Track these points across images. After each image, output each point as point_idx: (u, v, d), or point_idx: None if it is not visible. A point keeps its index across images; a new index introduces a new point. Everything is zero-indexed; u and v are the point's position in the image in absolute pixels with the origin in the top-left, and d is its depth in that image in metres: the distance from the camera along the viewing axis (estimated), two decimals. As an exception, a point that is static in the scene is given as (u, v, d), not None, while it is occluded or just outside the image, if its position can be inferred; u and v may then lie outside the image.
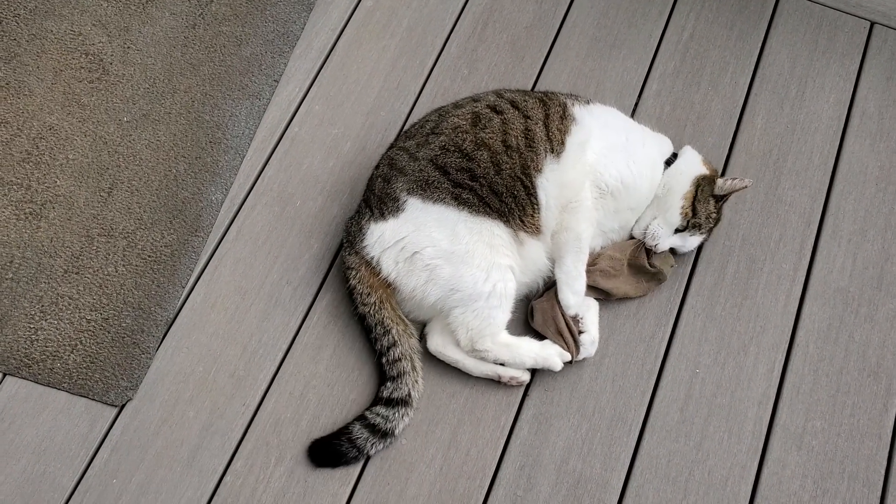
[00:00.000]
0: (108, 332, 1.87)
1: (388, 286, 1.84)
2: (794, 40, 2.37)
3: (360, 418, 1.78)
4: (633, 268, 1.96)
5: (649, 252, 1.95)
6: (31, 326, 1.86)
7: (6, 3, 2.21)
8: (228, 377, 1.86)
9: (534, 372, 1.89)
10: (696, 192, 1.91)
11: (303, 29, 2.28)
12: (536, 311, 1.91)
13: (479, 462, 1.81)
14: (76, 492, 1.73)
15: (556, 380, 1.89)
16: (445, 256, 1.80)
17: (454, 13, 2.34)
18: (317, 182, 2.08)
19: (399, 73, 2.25)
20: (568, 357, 1.86)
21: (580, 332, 1.88)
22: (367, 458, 1.80)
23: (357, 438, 1.76)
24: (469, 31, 2.32)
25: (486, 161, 1.84)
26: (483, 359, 1.85)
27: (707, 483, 1.83)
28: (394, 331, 1.82)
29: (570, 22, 2.36)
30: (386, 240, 1.83)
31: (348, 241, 1.89)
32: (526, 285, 1.91)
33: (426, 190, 1.82)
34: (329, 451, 1.77)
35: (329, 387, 1.86)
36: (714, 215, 1.94)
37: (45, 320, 1.86)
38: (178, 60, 2.19)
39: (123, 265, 1.94)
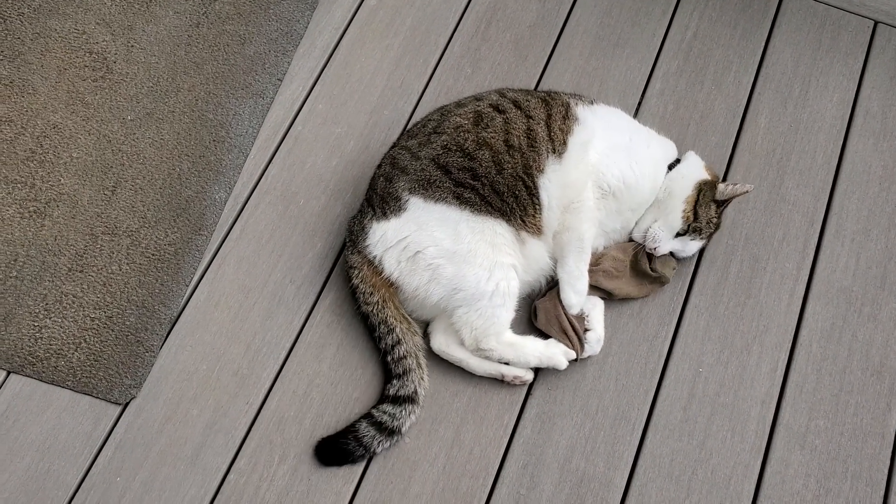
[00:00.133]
0: (112, 331, 1.87)
1: (391, 285, 1.84)
2: (797, 39, 2.37)
3: (367, 416, 1.79)
4: (634, 270, 1.96)
5: (651, 256, 1.95)
6: (35, 324, 1.86)
7: (10, 1, 2.21)
8: (232, 375, 1.86)
9: (537, 371, 1.89)
10: (698, 196, 1.91)
11: (306, 28, 2.28)
12: (539, 311, 1.91)
13: (482, 461, 1.82)
14: (80, 489, 1.74)
15: (560, 379, 1.89)
16: (448, 256, 1.80)
17: (457, 12, 2.34)
18: (320, 181, 2.08)
19: (402, 71, 2.25)
20: (573, 355, 1.86)
21: (586, 330, 1.89)
22: (372, 456, 1.80)
23: (364, 436, 1.76)
24: (472, 29, 2.32)
25: (487, 161, 1.84)
26: (487, 358, 1.85)
27: (710, 482, 1.83)
28: (397, 329, 1.83)
29: (573, 21, 2.36)
30: (388, 239, 1.83)
31: (351, 240, 1.90)
32: (529, 284, 1.92)
33: (428, 189, 1.83)
34: (336, 450, 1.77)
35: (332, 385, 1.86)
36: (715, 220, 1.94)
37: (49, 318, 1.87)
38: (182, 59, 2.19)
39: (127, 263, 1.94)
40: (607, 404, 1.89)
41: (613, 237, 1.96)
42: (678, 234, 1.92)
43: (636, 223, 1.95)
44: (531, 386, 1.89)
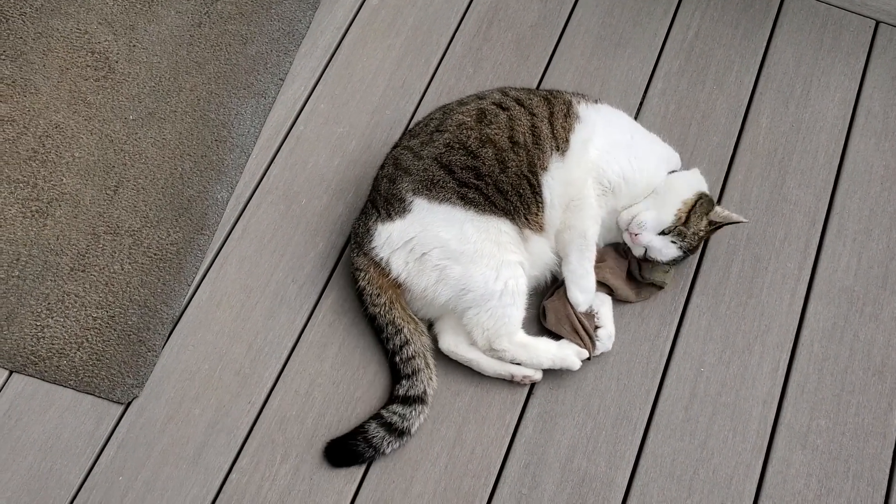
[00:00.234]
0: (114, 330, 1.87)
1: (398, 286, 1.84)
2: (799, 39, 2.37)
3: (376, 417, 1.79)
4: (629, 275, 1.96)
5: (640, 264, 1.94)
6: (38, 324, 1.86)
7: (12, 1, 2.21)
8: (234, 375, 1.86)
9: (545, 370, 1.89)
10: (695, 203, 1.88)
11: (308, 27, 2.29)
12: (549, 311, 1.90)
13: (484, 460, 1.82)
14: (83, 489, 1.74)
15: (562, 378, 1.90)
16: (454, 257, 1.80)
17: (459, 12, 2.34)
18: (322, 180, 2.08)
19: (404, 71, 2.25)
20: (585, 355, 1.86)
21: (596, 328, 1.88)
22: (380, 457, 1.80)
23: (373, 437, 1.76)
24: (474, 29, 2.32)
25: (490, 158, 1.84)
26: (500, 358, 1.85)
27: (712, 481, 1.83)
28: (405, 329, 1.83)
29: (574, 21, 2.36)
30: (394, 241, 1.83)
31: (356, 242, 1.90)
32: (535, 278, 1.91)
33: (432, 190, 1.83)
34: (345, 451, 1.77)
35: (334, 385, 1.87)
36: (700, 234, 1.89)
37: (52, 318, 1.87)
38: (184, 59, 2.20)
39: (129, 263, 1.94)
40: (609, 404, 1.89)
41: (612, 235, 1.96)
42: (662, 232, 1.88)
43: (626, 208, 1.89)
44: (533, 385, 1.89)
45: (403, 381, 1.81)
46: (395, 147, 1.95)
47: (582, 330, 1.86)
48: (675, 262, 1.91)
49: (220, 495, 1.75)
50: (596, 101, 1.98)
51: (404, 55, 2.27)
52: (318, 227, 2.03)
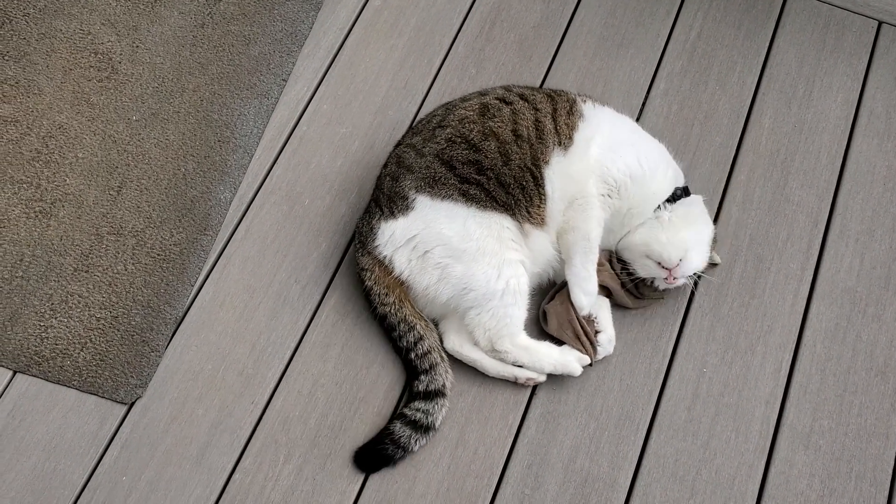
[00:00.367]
0: (118, 330, 1.87)
1: (403, 284, 1.85)
2: (801, 40, 2.37)
3: (400, 416, 1.79)
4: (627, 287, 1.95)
5: (638, 286, 1.92)
6: (41, 324, 1.87)
7: (16, 2, 2.22)
8: (237, 375, 1.86)
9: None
10: (713, 242, 1.92)
11: (311, 28, 2.29)
12: (551, 316, 1.90)
13: (486, 461, 1.82)
14: (86, 489, 1.74)
15: (564, 379, 1.89)
16: (456, 255, 1.80)
17: (462, 12, 2.35)
18: (325, 181, 2.09)
19: (407, 72, 2.25)
20: (587, 361, 1.86)
21: (596, 332, 1.88)
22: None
23: (400, 437, 1.76)
24: (477, 30, 2.33)
25: (493, 152, 1.83)
26: (502, 360, 1.85)
27: (714, 482, 1.83)
28: (418, 326, 1.83)
29: (577, 21, 2.36)
30: (397, 238, 1.83)
31: (360, 241, 1.90)
32: (537, 276, 1.91)
33: (434, 187, 1.83)
34: (375, 456, 1.77)
35: (337, 385, 1.87)
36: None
37: (55, 318, 1.87)
38: (187, 59, 2.20)
39: (133, 263, 1.94)
40: (611, 404, 1.89)
41: (612, 237, 1.94)
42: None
43: (663, 242, 1.86)
44: (536, 386, 1.89)
45: (422, 377, 1.81)
46: (397, 145, 1.96)
47: (584, 336, 1.86)
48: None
49: (224, 495, 1.76)
50: (603, 105, 1.97)
51: (407, 56, 2.27)
52: (321, 227, 2.03)
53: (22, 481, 1.73)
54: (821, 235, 2.11)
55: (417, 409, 1.78)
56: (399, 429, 1.77)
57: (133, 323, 1.88)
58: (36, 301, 1.89)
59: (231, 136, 2.12)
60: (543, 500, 1.79)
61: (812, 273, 2.06)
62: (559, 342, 1.88)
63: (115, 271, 1.93)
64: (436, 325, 1.90)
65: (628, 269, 1.91)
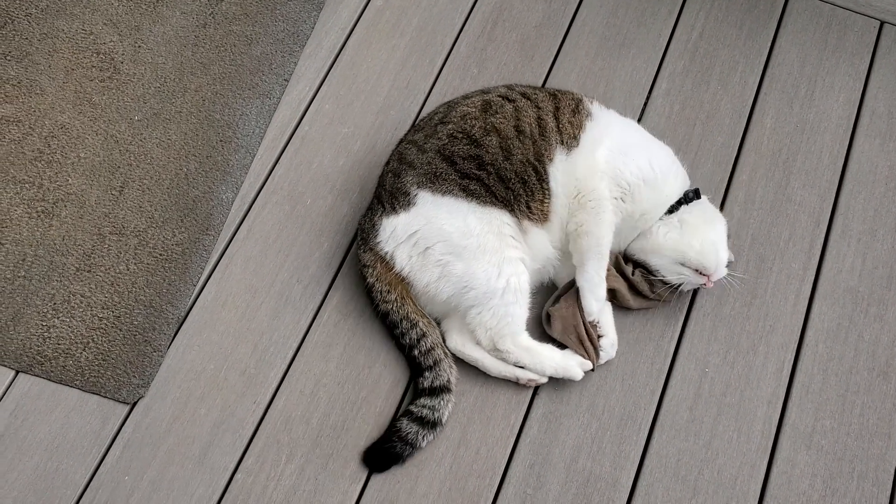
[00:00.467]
0: (120, 330, 1.88)
1: (404, 280, 1.85)
2: (803, 39, 2.37)
3: (407, 413, 1.79)
4: (632, 288, 1.94)
5: (652, 284, 1.93)
6: (44, 324, 1.87)
7: (18, 2, 2.22)
8: (239, 375, 1.86)
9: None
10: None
11: (313, 28, 2.29)
12: (555, 319, 1.89)
13: (488, 460, 1.82)
14: (88, 488, 1.74)
15: (566, 380, 1.89)
16: (457, 252, 1.80)
17: (464, 12, 2.35)
18: (327, 181, 2.09)
19: (409, 72, 2.25)
20: (589, 366, 1.86)
21: (599, 337, 1.88)
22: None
23: (407, 434, 1.76)
24: (478, 30, 2.33)
25: (494, 147, 1.84)
26: (504, 360, 1.85)
27: (716, 482, 1.83)
28: (420, 323, 1.83)
29: (579, 21, 2.36)
30: (399, 234, 1.83)
31: (362, 238, 1.90)
32: (537, 272, 1.90)
33: (435, 182, 1.83)
34: (384, 455, 1.77)
35: (339, 385, 1.87)
36: None
37: (58, 318, 1.87)
38: (189, 59, 2.20)
39: (135, 263, 1.95)
40: (613, 404, 1.89)
41: (622, 243, 1.95)
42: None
43: (699, 249, 1.87)
44: (537, 386, 1.89)
45: (426, 373, 1.81)
46: (400, 142, 1.96)
47: (588, 341, 1.86)
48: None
49: (226, 495, 1.76)
50: (608, 108, 1.98)
51: (409, 56, 2.28)
52: (323, 227, 2.03)
53: (24, 481, 1.74)
54: (823, 235, 2.11)
55: (423, 406, 1.79)
56: (406, 426, 1.77)
57: (135, 323, 1.89)
58: (38, 301, 1.89)
59: (233, 136, 2.12)
60: (545, 500, 1.79)
61: (814, 273, 2.06)
62: (562, 345, 1.88)
63: (118, 271, 1.93)
64: (438, 324, 1.90)
65: (648, 272, 1.91)
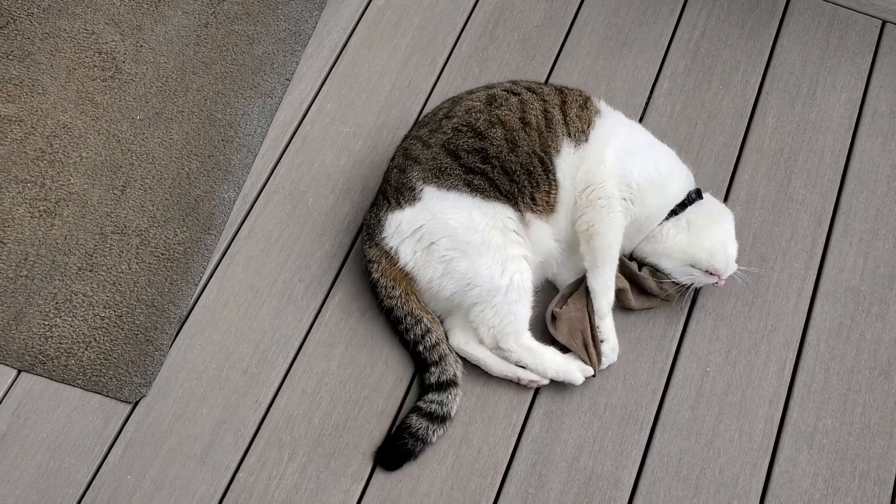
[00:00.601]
0: (122, 330, 1.88)
1: (408, 276, 1.85)
2: (805, 39, 2.37)
3: (415, 410, 1.79)
4: (636, 286, 1.95)
5: (661, 281, 1.93)
6: (46, 323, 1.87)
7: (20, 1, 2.22)
8: (241, 374, 1.87)
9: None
10: None
11: (314, 28, 2.29)
12: (562, 322, 1.88)
13: (490, 459, 1.82)
14: (91, 487, 1.75)
15: (568, 378, 1.90)
16: (462, 248, 1.80)
17: (465, 12, 2.35)
18: (329, 180, 2.09)
19: (410, 71, 2.25)
20: (590, 372, 1.85)
21: (600, 341, 1.88)
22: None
23: (418, 430, 1.77)
24: (480, 29, 2.33)
25: (499, 139, 1.84)
26: (506, 359, 1.85)
27: (718, 481, 1.83)
28: (424, 319, 1.84)
29: (580, 20, 2.36)
30: (403, 229, 1.83)
31: (367, 233, 1.90)
32: (540, 266, 1.90)
33: (440, 177, 1.83)
34: (396, 452, 1.78)
35: (341, 384, 1.87)
36: None
37: (60, 317, 1.88)
38: (191, 59, 2.20)
39: (137, 263, 1.95)
40: (615, 403, 1.89)
41: (628, 245, 1.95)
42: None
43: (709, 250, 1.88)
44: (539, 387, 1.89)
45: (433, 369, 1.81)
46: (405, 138, 1.96)
47: (592, 346, 1.86)
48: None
49: (228, 494, 1.76)
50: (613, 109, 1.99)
51: (410, 55, 2.28)
52: (325, 226, 2.03)
53: (27, 480, 1.74)
54: (824, 234, 2.11)
55: (432, 401, 1.79)
56: (416, 422, 1.78)
57: (137, 322, 1.89)
58: (40, 300, 1.89)
59: (235, 136, 2.12)
60: (547, 499, 1.79)
61: (816, 272, 2.06)
62: (564, 348, 1.88)
63: (120, 270, 1.94)
64: (441, 322, 1.90)
65: (655, 271, 1.92)
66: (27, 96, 2.10)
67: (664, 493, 1.81)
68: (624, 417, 1.88)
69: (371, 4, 2.34)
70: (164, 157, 2.07)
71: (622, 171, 1.86)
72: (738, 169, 2.18)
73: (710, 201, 1.96)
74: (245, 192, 2.07)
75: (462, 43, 2.30)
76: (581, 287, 1.90)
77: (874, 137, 2.24)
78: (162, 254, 1.96)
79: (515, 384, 1.88)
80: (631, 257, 1.96)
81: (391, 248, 1.84)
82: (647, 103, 2.25)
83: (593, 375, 1.87)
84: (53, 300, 1.89)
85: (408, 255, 1.83)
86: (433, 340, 1.83)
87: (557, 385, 1.89)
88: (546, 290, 1.97)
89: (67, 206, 1.99)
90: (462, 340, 1.87)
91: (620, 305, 1.95)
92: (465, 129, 1.86)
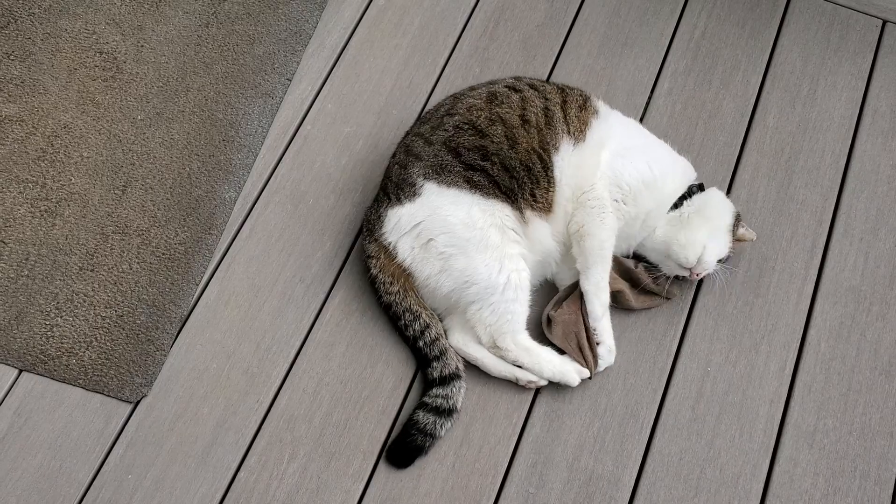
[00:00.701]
0: (123, 329, 1.88)
1: (406, 272, 1.85)
2: (805, 38, 2.37)
3: (421, 406, 1.80)
4: (636, 286, 1.95)
5: (658, 278, 1.94)
6: (47, 323, 1.87)
7: (21, 1, 2.22)
8: (242, 374, 1.87)
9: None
10: (735, 225, 1.93)
11: (315, 27, 2.29)
12: (557, 324, 1.89)
13: (491, 459, 1.82)
14: (92, 487, 1.75)
15: (568, 377, 1.90)
16: (460, 244, 1.81)
17: (466, 12, 2.35)
18: (329, 180, 2.09)
19: (411, 71, 2.25)
20: (587, 374, 1.86)
21: (597, 343, 1.88)
22: (381, 454, 1.81)
23: (425, 425, 1.77)
24: (481, 29, 2.33)
25: (499, 136, 1.84)
26: (503, 357, 1.85)
27: (719, 481, 1.83)
28: (423, 315, 1.84)
29: (581, 20, 2.36)
30: (403, 225, 1.84)
31: (367, 229, 1.91)
32: (538, 263, 1.90)
33: (441, 174, 1.84)
34: (406, 450, 1.78)
35: (342, 384, 1.87)
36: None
37: (61, 317, 1.88)
38: (192, 59, 2.20)
39: (138, 262, 1.95)
40: (616, 403, 1.89)
41: (628, 245, 1.96)
42: (719, 260, 1.92)
43: (682, 244, 1.89)
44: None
45: (434, 364, 1.82)
46: (407, 134, 1.97)
47: (587, 349, 1.86)
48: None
49: (229, 494, 1.76)
50: (611, 108, 1.99)
51: (411, 55, 2.28)
52: (326, 226, 2.03)
53: (28, 479, 1.74)
54: (825, 234, 2.11)
55: (437, 396, 1.79)
56: (423, 417, 1.78)
57: (138, 322, 1.89)
58: (41, 300, 1.89)
59: (236, 136, 2.12)
60: (548, 499, 1.79)
61: (816, 272, 2.06)
62: (562, 350, 1.88)
63: (121, 270, 1.94)
64: (440, 321, 1.90)
65: (650, 267, 1.93)
66: (28, 96, 2.11)
67: (665, 492, 1.82)
68: (624, 417, 1.88)
69: (372, 4, 2.34)
70: (165, 157, 2.07)
71: (613, 173, 1.87)
72: (738, 169, 2.18)
73: (713, 198, 1.96)
74: (246, 192, 2.07)
75: (463, 43, 2.31)
76: (577, 290, 1.91)
77: (875, 137, 2.24)
78: (163, 253, 1.96)
79: (516, 384, 1.88)
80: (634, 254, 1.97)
81: (390, 244, 1.85)
82: (647, 103, 2.25)
83: (589, 378, 1.87)
84: (55, 300, 1.89)
85: (406, 250, 1.84)
86: (433, 336, 1.83)
87: (558, 385, 1.89)
88: (545, 290, 1.97)
89: (68, 206, 1.99)
90: (461, 341, 1.87)
91: (620, 307, 1.95)
92: (467, 126, 1.86)
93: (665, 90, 2.27)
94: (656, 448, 1.86)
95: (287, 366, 1.88)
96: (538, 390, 1.89)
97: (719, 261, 1.91)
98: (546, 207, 1.86)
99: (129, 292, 1.92)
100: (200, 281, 1.96)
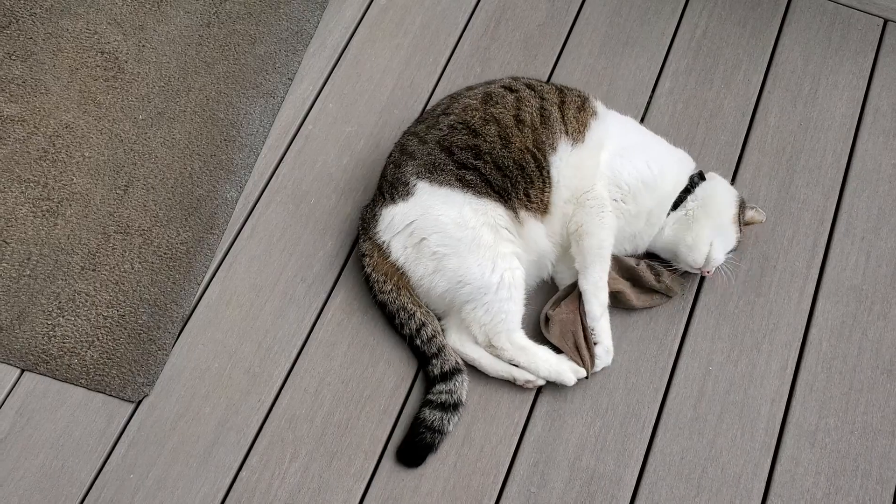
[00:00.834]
0: (125, 329, 1.88)
1: (400, 271, 1.85)
2: (807, 38, 2.37)
3: (426, 403, 1.80)
4: (636, 284, 1.95)
5: (658, 271, 1.95)
6: (49, 323, 1.87)
7: (23, 2, 2.23)
8: (244, 373, 1.87)
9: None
10: (740, 213, 1.94)
11: (316, 27, 2.29)
12: (554, 324, 1.89)
13: (492, 458, 1.82)
14: (94, 487, 1.75)
15: (570, 377, 1.90)
16: (452, 244, 1.81)
17: (467, 11, 2.35)
18: (331, 180, 2.09)
19: (412, 71, 2.25)
20: (583, 374, 1.85)
21: (594, 344, 1.88)
22: (383, 454, 1.81)
23: (433, 421, 1.78)
24: (482, 29, 2.33)
25: (493, 136, 1.85)
26: (499, 356, 1.85)
27: (720, 480, 1.83)
28: (418, 313, 1.84)
29: (582, 20, 2.36)
30: (396, 224, 1.84)
31: (363, 228, 1.92)
32: (534, 263, 1.90)
33: (434, 173, 1.84)
34: (417, 448, 1.78)
35: (343, 383, 1.87)
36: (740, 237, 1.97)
37: (63, 317, 1.88)
38: (193, 59, 2.20)
39: (139, 262, 1.95)
40: (617, 402, 1.89)
41: (640, 244, 1.96)
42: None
43: (689, 245, 1.91)
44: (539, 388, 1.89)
45: (434, 361, 1.82)
46: (403, 134, 1.98)
47: (584, 348, 1.86)
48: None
49: (231, 493, 1.76)
50: (608, 108, 2.00)
51: (412, 54, 2.28)
52: (327, 226, 2.04)
53: (30, 479, 1.74)
54: (826, 233, 2.11)
55: (441, 392, 1.80)
56: (429, 414, 1.78)
57: (140, 321, 1.89)
58: (43, 299, 1.89)
59: (237, 135, 2.12)
60: (549, 498, 1.80)
61: (818, 271, 2.06)
62: (559, 349, 1.88)
63: (122, 270, 1.94)
64: (438, 321, 1.91)
65: (663, 263, 1.96)
66: (30, 96, 2.11)
67: (666, 492, 1.82)
68: (626, 416, 1.88)
69: (373, 4, 2.34)
70: (167, 156, 2.08)
71: (612, 173, 1.88)
72: (740, 168, 2.18)
73: (715, 190, 1.95)
74: (247, 192, 2.07)
75: (464, 42, 2.31)
76: (575, 289, 1.91)
77: (876, 136, 2.24)
78: (164, 253, 1.97)
79: (518, 386, 1.88)
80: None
81: (383, 243, 1.85)
82: (648, 102, 2.25)
83: (586, 377, 1.87)
84: (56, 300, 1.90)
85: (399, 250, 1.84)
86: (429, 333, 1.83)
87: (559, 385, 1.89)
88: (543, 290, 1.97)
89: (70, 205, 2.00)
90: (458, 341, 1.87)
91: (622, 307, 1.95)
92: (461, 126, 1.87)
93: (666, 89, 2.27)
94: (658, 447, 1.86)
95: (289, 365, 1.89)
96: (539, 390, 1.89)
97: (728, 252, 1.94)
98: (541, 208, 1.86)
99: (130, 292, 1.92)
100: (202, 280, 1.96)
